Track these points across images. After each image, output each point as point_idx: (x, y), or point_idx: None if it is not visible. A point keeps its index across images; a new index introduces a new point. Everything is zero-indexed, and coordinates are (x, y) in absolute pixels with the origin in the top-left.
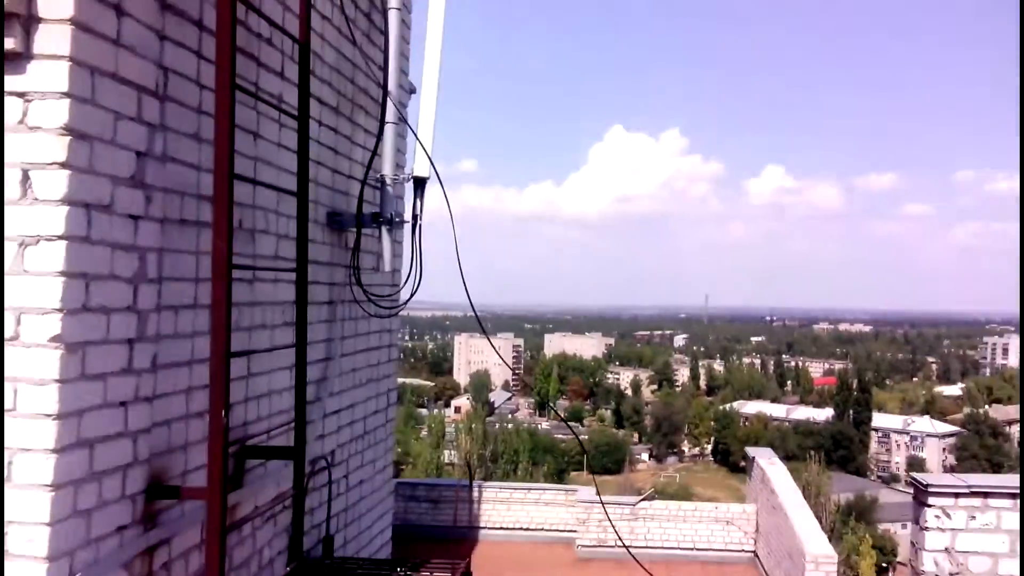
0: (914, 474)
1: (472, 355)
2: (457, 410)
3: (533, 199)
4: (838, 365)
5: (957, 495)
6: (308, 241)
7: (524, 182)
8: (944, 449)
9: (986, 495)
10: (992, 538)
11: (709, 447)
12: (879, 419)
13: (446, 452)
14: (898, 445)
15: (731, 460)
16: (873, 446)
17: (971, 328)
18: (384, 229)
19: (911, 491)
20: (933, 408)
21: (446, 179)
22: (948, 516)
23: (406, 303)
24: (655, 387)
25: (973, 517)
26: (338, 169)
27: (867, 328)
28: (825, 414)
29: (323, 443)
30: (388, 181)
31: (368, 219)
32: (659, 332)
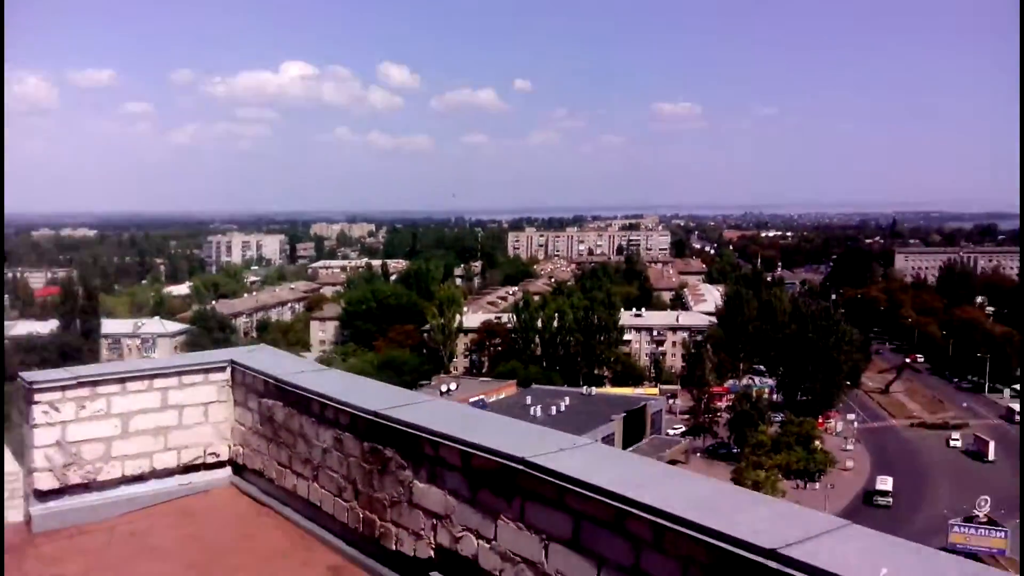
0: (20, 373)
1: None
2: None
3: None
4: (62, 273)
5: (64, 388)
6: None
7: None
8: (176, 348)
9: (95, 384)
10: (104, 424)
11: None
12: (109, 325)
13: None
14: (130, 349)
15: None
16: (104, 353)
17: (196, 228)
18: None
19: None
20: (163, 309)
21: None
22: (57, 410)
23: None
24: None
25: (83, 407)
26: None
27: (92, 233)
28: (51, 326)
29: None
30: None
31: None
32: None
